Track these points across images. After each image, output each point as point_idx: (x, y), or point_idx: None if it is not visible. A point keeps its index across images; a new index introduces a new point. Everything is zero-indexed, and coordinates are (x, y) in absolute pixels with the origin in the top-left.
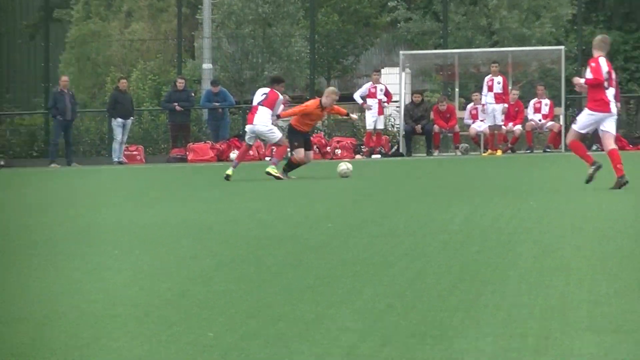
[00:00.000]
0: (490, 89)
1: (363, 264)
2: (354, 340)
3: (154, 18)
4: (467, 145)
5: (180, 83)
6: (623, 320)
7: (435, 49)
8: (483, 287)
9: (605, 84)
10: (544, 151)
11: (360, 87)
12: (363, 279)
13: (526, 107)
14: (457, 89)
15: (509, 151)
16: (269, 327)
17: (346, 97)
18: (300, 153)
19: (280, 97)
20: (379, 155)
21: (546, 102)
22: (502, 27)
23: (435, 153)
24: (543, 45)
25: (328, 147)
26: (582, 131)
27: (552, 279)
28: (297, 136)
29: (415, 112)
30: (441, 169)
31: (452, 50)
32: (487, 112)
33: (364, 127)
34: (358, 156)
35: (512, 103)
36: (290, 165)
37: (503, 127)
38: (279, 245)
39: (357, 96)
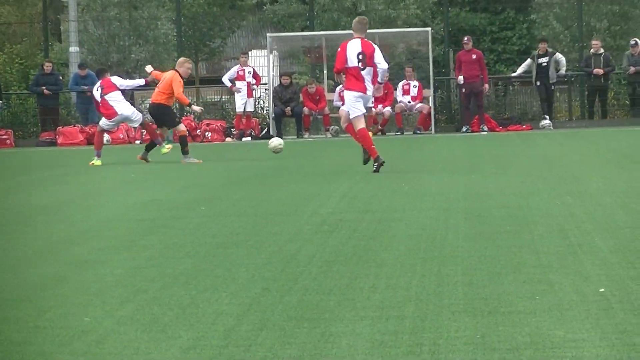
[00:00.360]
0: None
1: (237, 246)
2: (231, 324)
3: (19, 1)
4: (337, 127)
5: (48, 66)
6: (498, 302)
7: (302, 31)
8: (358, 269)
9: (360, 65)
10: (414, 133)
11: (228, 70)
12: (238, 263)
13: (395, 89)
14: (325, 71)
15: (380, 133)
16: (145, 312)
17: (215, 80)
18: (182, 125)
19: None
20: (249, 138)
21: (415, 84)
22: (368, 9)
23: (306, 135)
24: (409, 27)
25: (198, 130)
26: (359, 112)
27: (427, 260)
28: (172, 112)
29: (284, 95)
30: (312, 151)
31: (319, 33)
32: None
33: (234, 110)
34: (228, 139)
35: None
36: (149, 146)
37: (373, 109)
38: (153, 230)
39: (225, 79)
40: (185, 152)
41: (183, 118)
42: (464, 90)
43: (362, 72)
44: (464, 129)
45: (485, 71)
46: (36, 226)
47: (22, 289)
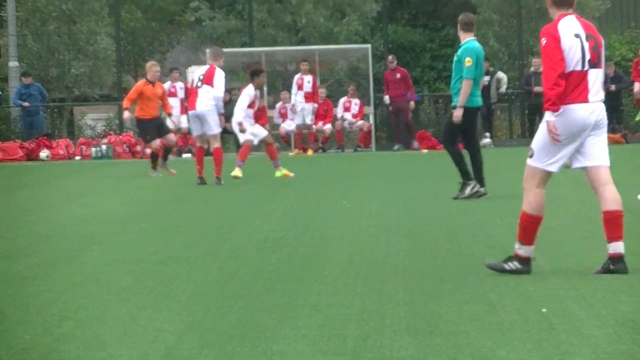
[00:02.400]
0: (300, 87)
1: (179, 263)
2: (172, 342)
3: None
4: (277, 144)
5: None
6: (440, 321)
7: (242, 47)
8: (300, 287)
9: (199, 83)
10: (355, 150)
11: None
12: (179, 280)
13: (335, 106)
14: (265, 88)
15: (320, 150)
16: (86, 329)
17: None
18: (156, 143)
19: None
20: (189, 155)
21: (356, 101)
22: (307, 24)
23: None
24: (350, 43)
25: (138, 147)
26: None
27: (368, 279)
28: (146, 127)
29: (225, 111)
30: (252, 169)
31: (259, 49)
32: (297, 111)
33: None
34: (171, 156)
35: (320, 102)
36: (155, 157)
37: (313, 126)
38: (92, 246)
39: None
40: (153, 167)
41: (123, 134)
42: (390, 109)
43: (199, 90)
44: (395, 147)
45: (411, 89)
46: None
47: None
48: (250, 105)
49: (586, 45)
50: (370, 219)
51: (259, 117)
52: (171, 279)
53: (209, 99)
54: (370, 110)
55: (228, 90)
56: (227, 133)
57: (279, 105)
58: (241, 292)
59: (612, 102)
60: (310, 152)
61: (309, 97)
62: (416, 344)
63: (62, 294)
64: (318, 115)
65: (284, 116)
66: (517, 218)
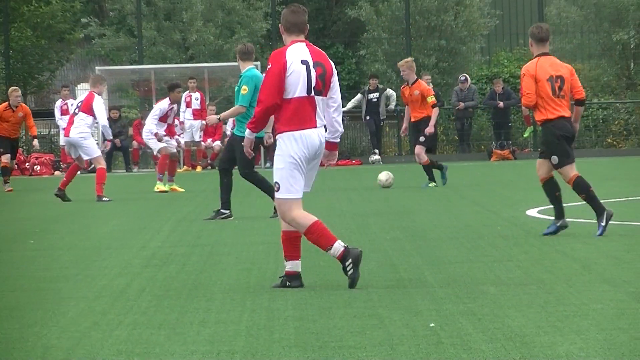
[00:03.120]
0: (188, 105)
1: (67, 280)
2: (60, 358)
3: None
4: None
5: None
6: (329, 336)
7: (131, 64)
8: (188, 303)
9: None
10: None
11: (55, 102)
12: (67, 296)
13: (225, 123)
14: (154, 105)
15: (209, 167)
16: None
17: (44, 113)
18: (6, 158)
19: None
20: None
21: None
22: (197, 42)
23: (135, 169)
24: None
25: (27, 164)
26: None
27: (257, 295)
28: (3, 143)
29: (113, 128)
30: (141, 185)
31: (148, 66)
32: (186, 128)
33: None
34: (57, 172)
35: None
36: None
37: (202, 143)
38: None
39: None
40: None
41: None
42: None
43: (75, 118)
44: (268, 164)
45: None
46: None
47: None
48: (163, 119)
49: (313, 72)
50: (258, 235)
51: (171, 131)
52: (60, 295)
53: (82, 126)
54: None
55: (117, 108)
56: (117, 149)
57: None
58: (130, 308)
59: (501, 118)
60: (199, 169)
61: (197, 114)
62: (305, 359)
63: None
64: (207, 132)
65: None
66: (406, 234)
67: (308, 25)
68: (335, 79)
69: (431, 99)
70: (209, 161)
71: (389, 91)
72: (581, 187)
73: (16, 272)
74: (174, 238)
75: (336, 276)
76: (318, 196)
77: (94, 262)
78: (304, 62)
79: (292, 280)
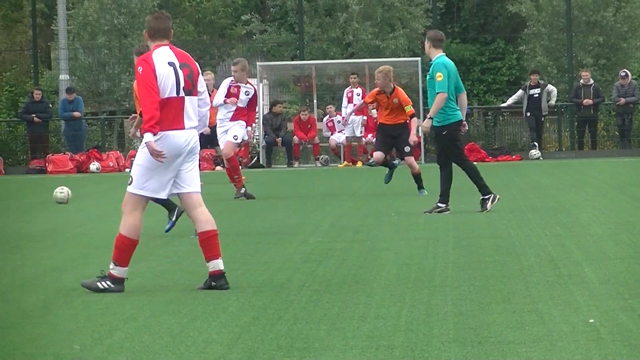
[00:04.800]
0: (350, 100)
1: (227, 274)
2: (221, 353)
3: (8, 29)
4: (327, 156)
5: (37, 94)
6: (488, 332)
7: (292, 60)
8: (348, 298)
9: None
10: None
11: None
12: (228, 291)
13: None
14: (315, 100)
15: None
16: (135, 340)
17: None
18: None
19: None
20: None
21: None
22: (355, 39)
23: (296, 164)
24: (397, 57)
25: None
26: None
27: (416, 290)
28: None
29: (274, 123)
30: (302, 180)
31: (309, 62)
32: (347, 123)
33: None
34: (219, 168)
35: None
36: None
37: (363, 138)
38: (142, 258)
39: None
40: None
41: None
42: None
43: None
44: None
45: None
46: (24, 253)
47: (10, 317)
48: None
49: (180, 73)
50: (417, 230)
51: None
52: (221, 290)
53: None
54: (420, 122)
55: (279, 103)
56: (277, 145)
57: (326, 118)
58: (290, 303)
59: None
60: (359, 164)
61: (359, 110)
62: (464, 355)
63: (112, 305)
64: (368, 128)
65: (332, 129)
66: (566, 230)
67: (172, 30)
68: (201, 77)
69: (409, 109)
70: (368, 156)
71: (550, 87)
72: None
73: (177, 266)
74: (333, 233)
75: (495, 272)
76: (473, 192)
77: (254, 257)
78: (170, 64)
79: (217, 280)
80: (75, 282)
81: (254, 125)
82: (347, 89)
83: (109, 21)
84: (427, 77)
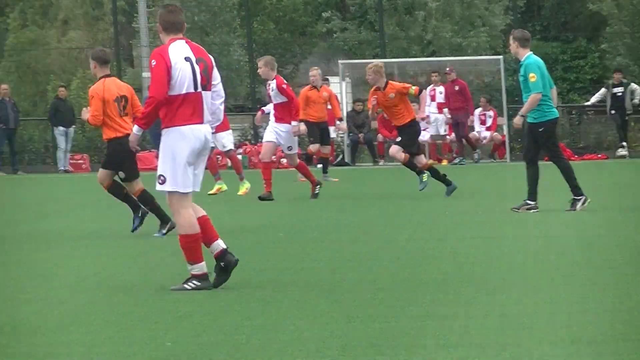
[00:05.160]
0: (432, 98)
1: (310, 272)
2: (313, 349)
3: (90, 26)
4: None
5: None
6: (582, 331)
7: (374, 58)
8: (439, 297)
9: None
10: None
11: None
12: (317, 289)
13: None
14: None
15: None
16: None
17: None
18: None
19: None
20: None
21: (490, 113)
22: (435, 37)
23: (381, 162)
24: (479, 55)
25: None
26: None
27: (508, 288)
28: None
29: (356, 120)
30: (386, 178)
31: (391, 60)
32: (431, 122)
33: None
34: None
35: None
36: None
37: (447, 137)
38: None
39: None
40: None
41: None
42: (451, 121)
43: None
44: (456, 160)
45: (470, 102)
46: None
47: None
48: None
49: (197, 68)
50: (531, 228)
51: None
52: (309, 287)
53: None
54: (503, 121)
55: (361, 101)
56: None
57: None
58: (381, 301)
59: None
60: (444, 162)
61: (442, 108)
62: (557, 353)
63: (202, 302)
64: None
65: None
66: None
67: (185, 24)
68: (215, 71)
69: (414, 89)
70: (453, 155)
71: (633, 85)
72: None
73: (267, 265)
74: (423, 234)
75: (587, 271)
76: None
77: (338, 255)
78: (187, 59)
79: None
80: (168, 284)
81: (297, 121)
82: (430, 87)
83: (189, 18)
84: (520, 78)
